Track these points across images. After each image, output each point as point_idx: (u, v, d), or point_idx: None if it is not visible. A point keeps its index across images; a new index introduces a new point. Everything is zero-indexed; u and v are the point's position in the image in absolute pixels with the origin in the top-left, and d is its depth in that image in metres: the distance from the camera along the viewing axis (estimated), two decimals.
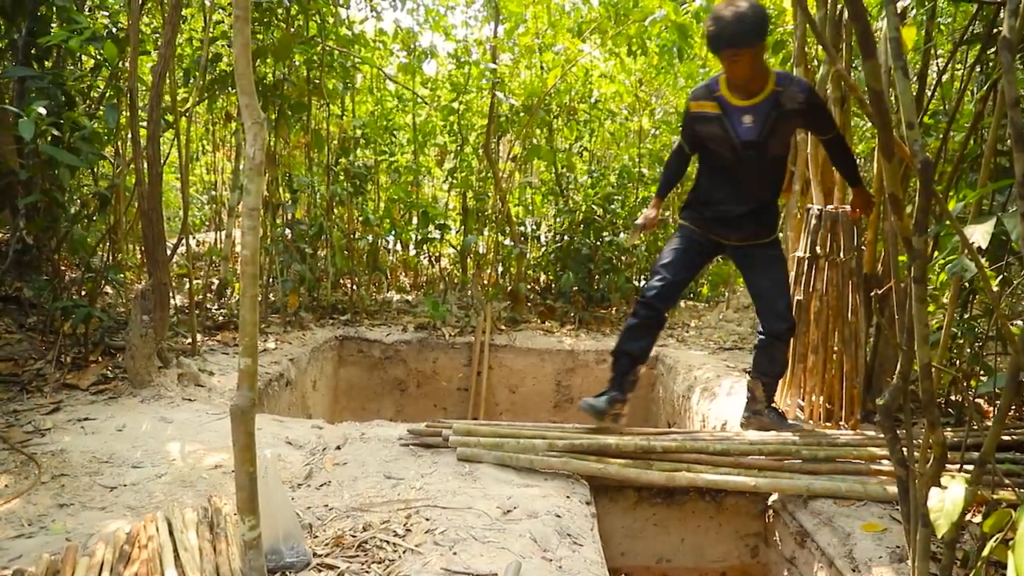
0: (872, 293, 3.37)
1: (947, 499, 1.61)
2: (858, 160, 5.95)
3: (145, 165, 3.70)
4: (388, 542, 2.18)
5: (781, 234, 3.45)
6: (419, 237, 6.84)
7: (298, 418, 3.89)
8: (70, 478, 2.54)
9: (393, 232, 6.95)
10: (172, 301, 4.43)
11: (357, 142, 6.50)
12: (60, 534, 2.15)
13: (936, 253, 3.13)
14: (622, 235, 6.61)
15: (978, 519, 2.35)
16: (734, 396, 4.08)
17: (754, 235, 3.24)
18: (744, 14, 2.76)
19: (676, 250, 3.31)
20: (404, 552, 2.13)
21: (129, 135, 4.02)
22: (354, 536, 2.20)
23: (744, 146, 3.02)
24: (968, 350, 3.36)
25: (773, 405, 3.43)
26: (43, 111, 3.29)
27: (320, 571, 2.02)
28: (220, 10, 5.11)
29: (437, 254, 7.43)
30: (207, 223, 9.75)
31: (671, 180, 3.50)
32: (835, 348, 3.42)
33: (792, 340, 3.36)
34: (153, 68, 3.96)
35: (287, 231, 5.45)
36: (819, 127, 3.14)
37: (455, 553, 2.13)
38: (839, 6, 3.62)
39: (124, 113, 4.10)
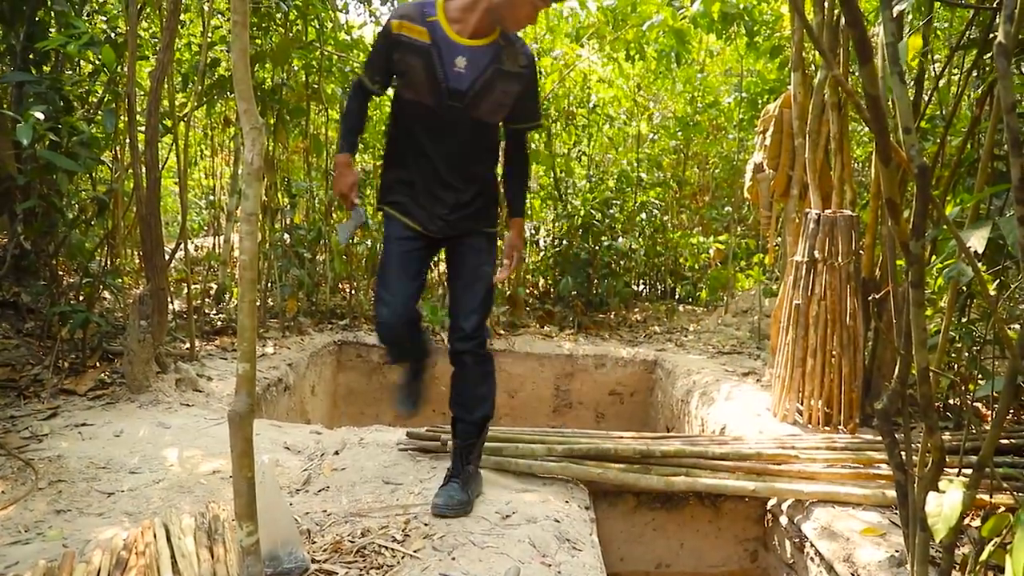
0: (870, 297, 3.38)
1: (945, 503, 1.60)
2: (856, 165, 5.97)
3: (143, 170, 3.70)
4: (387, 548, 2.17)
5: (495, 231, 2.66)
6: None
7: (296, 423, 3.88)
8: (67, 484, 2.53)
9: None
10: (170, 306, 4.42)
11: None
12: (57, 540, 2.14)
13: (934, 257, 3.13)
14: (619, 239, 6.62)
15: (977, 523, 2.35)
16: (733, 400, 4.08)
17: (459, 224, 2.52)
18: None
19: (389, 260, 2.52)
20: (403, 558, 2.12)
21: (127, 140, 4.02)
22: (352, 542, 2.20)
23: (450, 94, 2.35)
24: (966, 354, 3.37)
25: (470, 467, 2.55)
26: (41, 116, 3.29)
27: None
28: (219, 15, 5.12)
29: (436, 259, 7.43)
30: (205, 228, 9.75)
31: (355, 126, 2.56)
32: (833, 352, 3.42)
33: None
34: (151, 73, 3.96)
35: (286, 236, 5.45)
36: (525, 108, 2.52)
37: (454, 559, 2.13)
38: (836, 11, 3.63)
39: (122, 118, 4.09)
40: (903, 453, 1.80)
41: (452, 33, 2.32)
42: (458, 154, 2.44)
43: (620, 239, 6.65)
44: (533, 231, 7.30)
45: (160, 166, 3.81)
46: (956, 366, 3.57)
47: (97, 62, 4.15)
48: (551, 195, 7.23)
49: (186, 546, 2.02)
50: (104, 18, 4.79)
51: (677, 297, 7.63)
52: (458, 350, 2.54)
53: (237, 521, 1.59)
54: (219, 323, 5.11)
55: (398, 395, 2.93)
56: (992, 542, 1.68)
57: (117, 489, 2.52)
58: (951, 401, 3.59)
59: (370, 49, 2.42)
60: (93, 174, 4.63)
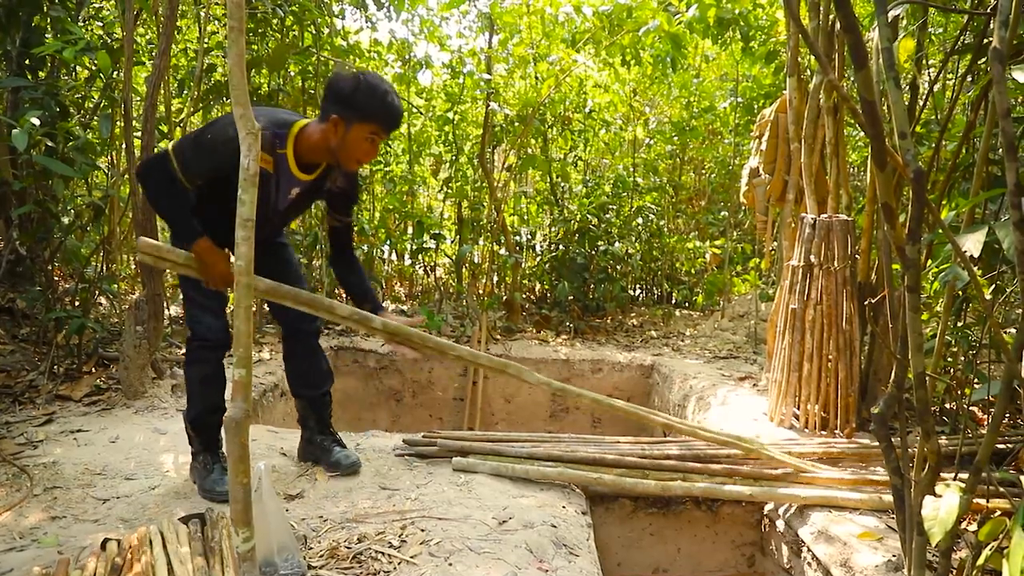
0: (866, 302, 3.38)
1: (942, 507, 1.61)
2: (852, 169, 5.99)
3: None
4: (383, 553, 2.17)
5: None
6: (414, 247, 6.84)
7: (293, 429, 3.87)
8: (62, 490, 2.52)
9: (388, 242, 6.95)
10: (166, 312, 4.41)
11: None
12: (52, 547, 2.13)
13: (929, 262, 3.14)
14: (616, 244, 6.62)
15: (973, 527, 2.35)
16: (729, 405, 4.08)
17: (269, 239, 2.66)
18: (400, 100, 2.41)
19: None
20: (399, 563, 2.12)
21: (123, 145, 4.02)
22: (349, 547, 2.19)
23: (274, 212, 2.50)
24: (962, 358, 3.37)
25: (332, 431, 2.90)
26: (37, 121, 3.29)
27: None
28: (215, 20, 5.12)
29: (432, 264, 7.43)
30: None
31: (188, 206, 2.36)
32: (830, 356, 3.43)
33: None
34: (148, 78, 3.96)
35: None
36: (345, 206, 2.69)
37: (451, 564, 2.12)
38: (831, 17, 3.65)
39: (118, 123, 4.09)
40: (900, 457, 1.80)
41: (294, 168, 2.41)
42: (268, 229, 2.53)
43: (616, 244, 6.65)
44: (529, 236, 7.30)
45: None
46: (952, 370, 3.58)
47: (93, 67, 4.16)
48: (547, 200, 7.23)
49: (182, 552, 2.01)
50: (100, 24, 4.80)
51: (674, 302, 7.64)
52: (308, 331, 2.78)
53: (233, 527, 1.59)
54: None
55: (206, 475, 2.60)
56: (989, 546, 1.68)
57: (112, 495, 2.51)
58: (947, 405, 3.60)
59: (196, 147, 2.27)
60: (89, 179, 4.63)
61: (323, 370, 2.86)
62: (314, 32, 5.38)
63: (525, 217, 7.50)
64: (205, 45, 4.57)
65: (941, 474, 1.75)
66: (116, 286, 4.50)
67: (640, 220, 7.10)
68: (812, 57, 4.05)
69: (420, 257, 7.15)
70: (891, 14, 2.49)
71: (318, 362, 2.84)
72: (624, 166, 7.60)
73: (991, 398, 2.78)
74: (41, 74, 4.18)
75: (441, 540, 2.26)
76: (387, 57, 6.87)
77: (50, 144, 3.52)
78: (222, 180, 2.30)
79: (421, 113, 7.20)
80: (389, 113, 2.32)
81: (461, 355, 2.69)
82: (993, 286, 3.20)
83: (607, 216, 6.76)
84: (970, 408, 3.46)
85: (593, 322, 6.46)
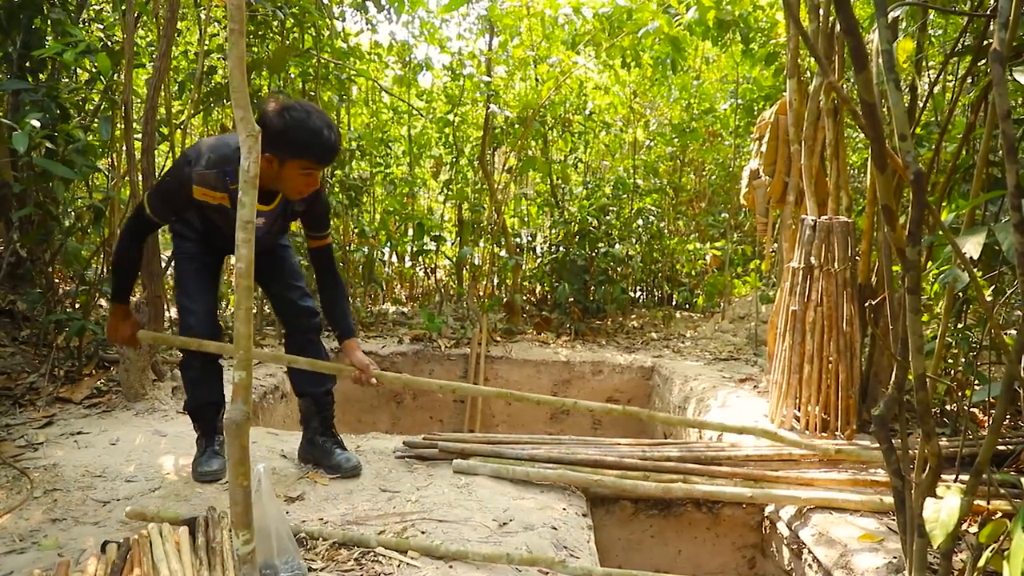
0: (867, 303, 3.38)
1: (943, 509, 1.60)
2: (852, 171, 5.99)
3: (140, 177, 3.70)
4: (383, 556, 2.17)
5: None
6: (415, 249, 6.85)
7: (293, 431, 3.87)
8: (63, 493, 2.52)
9: (389, 244, 6.96)
10: (167, 313, 4.41)
11: (352, 154, 6.51)
12: (52, 549, 2.13)
13: (930, 263, 3.14)
14: (616, 246, 6.63)
15: (974, 529, 2.34)
16: (730, 407, 4.07)
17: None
18: (335, 128, 2.44)
19: (190, 275, 2.67)
20: (400, 565, 2.12)
21: (124, 147, 4.02)
22: (349, 550, 2.19)
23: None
24: (962, 359, 3.37)
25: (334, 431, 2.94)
26: (37, 124, 3.29)
27: None
28: (215, 23, 5.13)
29: (433, 266, 7.43)
30: None
31: (131, 271, 2.63)
32: (830, 358, 3.43)
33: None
34: (148, 81, 3.97)
35: None
36: (315, 226, 2.74)
37: (451, 567, 2.12)
38: (831, 19, 3.65)
39: (119, 126, 4.09)
40: (900, 459, 1.80)
41: None
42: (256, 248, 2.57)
43: (617, 246, 6.65)
44: (530, 238, 7.31)
45: (157, 174, 3.80)
46: (953, 372, 3.57)
47: (93, 70, 4.16)
48: (548, 202, 7.24)
49: (182, 555, 2.01)
50: (101, 26, 4.80)
51: (674, 303, 7.64)
52: (309, 327, 2.80)
53: (233, 529, 1.59)
54: None
55: (198, 457, 2.77)
56: (990, 548, 1.67)
57: (113, 498, 2.51)
58: (948, 407, 3.59)
59: (161, 192, 2.46)
60: (89, 182, 4.63)
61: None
62: (314, 34, 5.38)
63: (525, 219, 7.51)
64: (205, 47, 4.58)
65: (942, 476, 1.75)
66: None
67: (640, 222, 7.10)
68: (812, 59, 4.05)
69: (420, 259, 7.15)
70: (891, 16, 2.50)
71: (320, 358, 2.81)
72: (624, 168, 7.61)
73: (992, 400, 2.78)
74: (42, 76, 4.18)
75: (442, 542, 2.25)
76: (387, 59, 6.88)
77: (50, 146, 3.52)
78: (198, 208, 2.48)
79: (422, 115, 7.20)
80: (319, 149, 2.34)
81: (445, 389, 2.74)
82: (993, 288, 3.20)
83: (607, 218, 6.76)
84: (971, 410, 3.46)
85: (593, 324, 6.46)
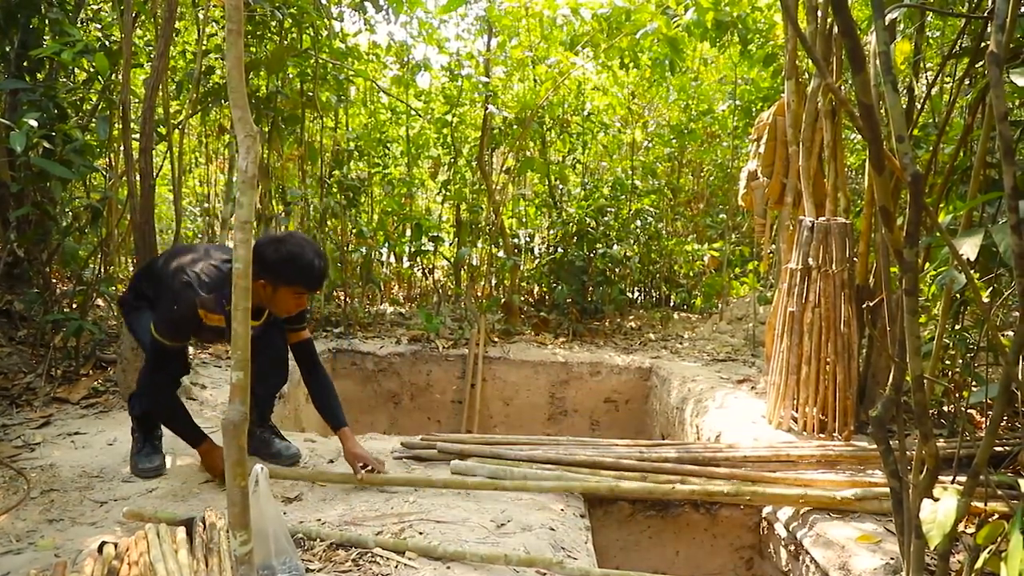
0: (864, 305, 3.39)
1: (940, 510, 1.61)
2: (850, 172, 5.99)
3: (137, 177, 3.70)
4: (382, 556, 2.16)
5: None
6: (413, 249, 6.84)
7: (291, 432, 3.86)
8: (60, 493, 2.52)
9: (387, 244, 6.95)
10: None
11: (351, 154, 6.51)
12: (49, 550, 2.13)
13: (927, 265, 3.15)
14: (614, 247, 6.63)
15: (971, 530, 2.35)
16: (728, 408, 4.08)
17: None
18: (324, 257, 2.63)
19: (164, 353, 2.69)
20: (397, 566, 2.11)
21: (122, 147, 4.02)
22: (347, 551, 2.19)
23: None
24: (960, 361, 3.38)
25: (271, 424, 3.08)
26: (35, 123, 3.28)
27: None
28: (213, 23, 5.12)
29: (431, 266, 7.43)
30: (200, 236, 9.72)
31: (188, 413, 2.72)
32: (828, 359, 3.43)
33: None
34: (146, 80, 3.96)
35: None
36: (295, 320, 2.85)
37: (448, 567, 2.12)
38: (829, 20, 3.66)
39: (117, 125, 4.09)
40: (898, 460, 1.80)
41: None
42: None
43: (615, 246, 6.66)
44: (528, 238, 7.31)
45: (155, 174, 3.80)
46: (950, 373, 3.58)
47: (91, 70, 4.15)
48: (546, 202, 7.24)
49: (179, 556, 2.01)
50: (99, 26, 4.79)
51: (672, 304, 7.64)
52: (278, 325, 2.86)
53: (231, 530, 1.58)
54: None
55: (138, 451, 2.82)
56: (987, 549, 1.68)
57: (110, 498, 2.50)
58: (945, 408, 3.60)
59: (175, 322, 2.54)
60: (87, 182, 4.62)
61: (280, 371, 2.90)
62: (312, 35, 5.38)
63: (523, 219, 7.51)
64: (203, 47, 4.57)
65: (939, 477, 1.75)
66: (114, 288, 4.49)
67: (638, 223, 7.10)
68: (810, 60, 4.05)
69: (418, 259, 7.15)
70: (888, 17, 2.50)
71: (279, 360, 2.87)
72: (623, 169, 7.61)
73: (989, 401, 2.78)
74: (39, 76, 4.17)
75: (440, 543, 2.25)
76: (385, 59, 6.87)
77: (48, 146, 3.51)
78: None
79: (420, 116, 7.20)
80: (310, 278, 2.54)
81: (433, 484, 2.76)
82: (990, 289, 3.21)
83: (605, 219, 6.76)
84: (968, 411, 3.46)
85: (591, 324, 6.46)
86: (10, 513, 2.35)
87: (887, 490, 2.32)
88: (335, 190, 6.08)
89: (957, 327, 3.33)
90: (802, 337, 3.48)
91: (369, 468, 2.73)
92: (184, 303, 2.50)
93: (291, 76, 5.47)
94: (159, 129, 4.31)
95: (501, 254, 6.56)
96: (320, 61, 5.42)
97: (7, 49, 3.93)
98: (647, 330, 6.57)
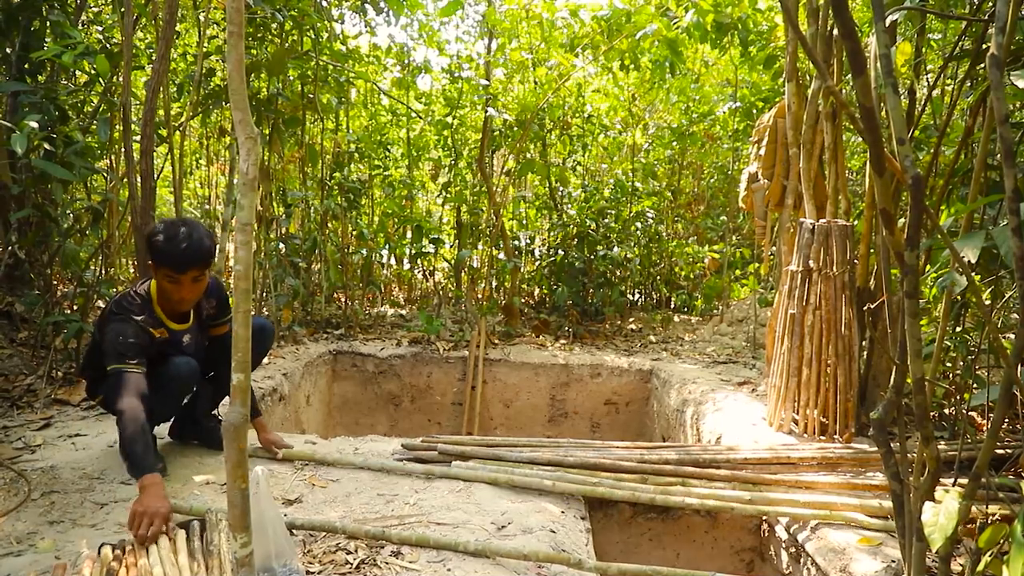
0: (865, 307, 3.38)
1: (941, 513, 1.60)
2: (850, 175, 5.99)
3: (138, 179, 3.70)
4: (382, 559, 2.16)
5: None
6: (413, 251, 6.85)
7: (291, 433, 3.86)
8: (60, 495, 2.52)
9: (387, 246, 6.96)
10: None
11: (351, 156, 6.52)
12: (49, 552, 2.12)
13: (928, 267, 3.15)
14: (615, 249, 6.63)
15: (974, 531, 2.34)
16: (728, 410, 4.07)
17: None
18: (204, 232, 2.55)
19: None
20: (398, 569, 2.11)
21: (122, 149, 4.02)
22: (347, 553, 2.19)
23: (194, 355, 2.78)
24: (961, 363, 3.37)
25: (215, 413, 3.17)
26: (36, 125, 3.29)
27: None
28: (214, 25, 5.13)
29: (431, 268, 7.43)
30: None
31: (150, 439, 2.47)
32: (829, 362, 3.43)
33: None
34: (147, 83, 3.97)
35: (281, 245, 5.45)
36: (219, 314, 2.89)
37: (449, 570, 2.12)
38: (830, 23, 3.66)
39: (117, 127, 4.09)
40: (899, 463, 1.80)
41: (175, 326, 2.75)
42: (200, 357, 2.85)
43: (615, 249, 6.66)
44: (528, 240, 7.31)
45: (155, 176, 3.80)
46: (951, 375, 3.57)
47: (92, 72, 4.16)
48: (546, 204, 7.24)
49: (179, 558, 2.00)
50: (99, 28, 4.80)
51: (672, 306, 7.64)
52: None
53: (231, 532, 1.58)
54: None
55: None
56: (989, 552, 1.67)
57: (110, 500, 2.50)
58: (946, 410, 3.59)
59: (116, 340, 2.50)
60: (88, 184, 4.62)
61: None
62: (313, 37, 5.39)
63: (524, 222, 7.51)
64: (204, 49, 4.58)
65: (940, 479, 1.75)
66: (115, 290, 4.49)
67: (639, 225, 7.11)
68: (811, 63, 4.05)
69: (419, 261, 7.15)
70: (889, 20, 2.50)
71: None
72: (623, 171, 7.61)
73: (990, 403, 2.78)
74: (40, 78, 4.18)
75: (457, 541, 2.25)
76: (386, 62, 6.88)
77: (49, 148, 3.52)
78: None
79: (420, 118, 7.21)
80: (174, 257, 2.48)
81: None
82: (991, 291, 3.20)
83: (606, 221, 6.77)
84: (969, 413, 3.46)
85: (592, 327, 6.46)
86: (10, 515, 2.34)
87: (888, 492, 2.32)
88: (336, 192, 6.08)
89: (958, 329, 3.32)
90: (803, 339, 3.48)
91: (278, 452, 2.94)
92: (113, 324, 2.53)
93: (292, 78, 5.48)
94: (160, 131, 4.32)
95: (501, 256, 6.57)
96: (321, 63, 5.42)
97: (8, 51, 3.93)
98: (647, 332, 6.57)
